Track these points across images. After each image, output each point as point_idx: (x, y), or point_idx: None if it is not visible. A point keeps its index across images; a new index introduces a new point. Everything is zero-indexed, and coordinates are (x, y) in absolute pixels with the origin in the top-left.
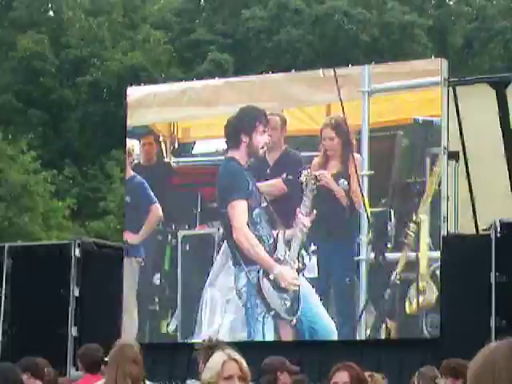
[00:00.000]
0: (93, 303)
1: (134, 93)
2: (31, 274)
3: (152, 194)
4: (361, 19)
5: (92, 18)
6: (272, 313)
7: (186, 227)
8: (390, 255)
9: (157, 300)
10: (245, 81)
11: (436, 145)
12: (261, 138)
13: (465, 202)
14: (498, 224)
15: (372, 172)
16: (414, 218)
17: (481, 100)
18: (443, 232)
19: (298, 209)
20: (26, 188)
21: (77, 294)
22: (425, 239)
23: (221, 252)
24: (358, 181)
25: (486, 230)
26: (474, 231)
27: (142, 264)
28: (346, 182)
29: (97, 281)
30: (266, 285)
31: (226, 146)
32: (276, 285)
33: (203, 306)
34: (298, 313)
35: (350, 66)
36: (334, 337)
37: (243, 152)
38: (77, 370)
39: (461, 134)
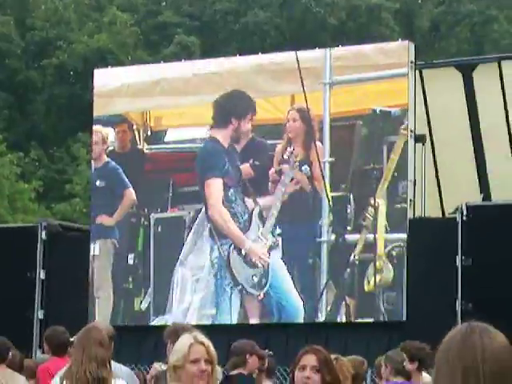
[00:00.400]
0: (59, 286)
1: (102, 77)
2: None
3: (126, 179)
4: (328, 2)
5: (58, 0)
6: (239, 287)
7: (158, 210)
8: (349, 237)
9: (130, 279)
10: (213, 72)
11: (393, 133)
12: (246, 126)
13: (432, 185)
14: (464, 207)
15: (333, 159)
16: (372, 202)
17: (448, 83)
18: (409, 215)
19: (278, 185)
20: None
21: (43, 276)
22: (382, 222)
23: (191, 233)
24: (320, 167)
25: (452, 213)
26: (440, 214)
27: (117, 245)
28: (308, 169)
29: (63, 263)
30: (235, 259)
31: (199, 133)
32: (246, 260)
33: (174, 284)
34: (266, 288)
35: (317, 49)
36: (300, 313)
37: (228, 134)
38: (43, 352)
39: (428, 117)
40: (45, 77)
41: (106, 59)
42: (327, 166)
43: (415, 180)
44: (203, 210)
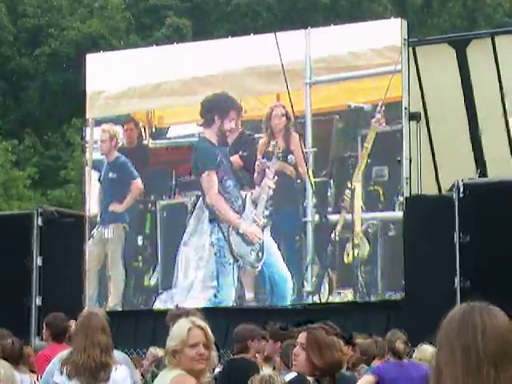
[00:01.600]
0: (56, 272)
1: (94, 61)
2: None
3: (134, 171)
4: None
5: None
6: (238, 263)
7: (164, 197)
8: (330, 217)
9: (140, 258)
10: (209, 75)
11: (366, 126)
12: (229, 125)
13: (427, 162)
14: (460, 185)
15: (315, 149)
16: (349, 185)
17: (441, 60)
18: (406, 193)
19: (267, 170)
20: None
21: (40, 263)
22: (358, 203)
23: (192, 217)
24: (304, 156)
25: (448, 190)
26: (436, 192)
27: (127, 229)
28: (293, 157)
29: (59, 249)
30: (234, 238)
31: (197, 129)
32: (243, 238)
33: (179, 262)
34: (262, 261)
35: (309, 28)
36: (289, 284)
37: (214, 131)
38: (41, 339)
39: (422, 94)
40: (38, 63)
41: (99, 44)
42: (310, 155)
43: (411, 158)
44: (193, 199)
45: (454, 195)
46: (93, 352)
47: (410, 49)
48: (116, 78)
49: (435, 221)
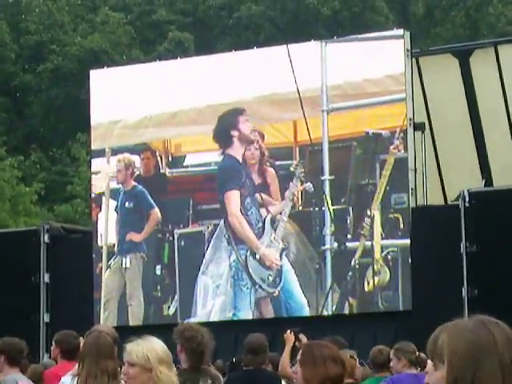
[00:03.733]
0: (63, 288)
1: (98, 77)
2: (0, 261)
3: (151, 200)
4: None
5: (51, 2)
6: (256, 286)
7: (181, 226)
8: (350, 244)
9: (159, 287)
10: (224, 103)
11: (384, 152)
12: (246, 126)
13: (433, 172)
14: (466, 194)
15: (333, 177)
16: (369, 213)
17: (445, 70)
18: (412, 204)
19: (287, 192)
20: None
21: (47, 280)
22: (377, 230)
23: (210, 245)
24: (322, 184)
25: (454, 200)
26: (442, 202)
27: (145, 258)
28: (311, 185)
29: (66, 266)
30: (251, 262)
31: (214, 157)
32: (261, 262)
33: (197, 291)
34: (279, 287)
35: (311, 41)
36: (306, 312)
37: (237, 145)
38: (49, 356)
39: (426, 104)
40: (41, 79)
41: (101, 59)
42: (327, 182)
43: (416, 168)
44: (220, 223)
45: (460, 205)
46: (102, 379)
47: (414, 59)
48: (120, 94)
49: (442, 231)
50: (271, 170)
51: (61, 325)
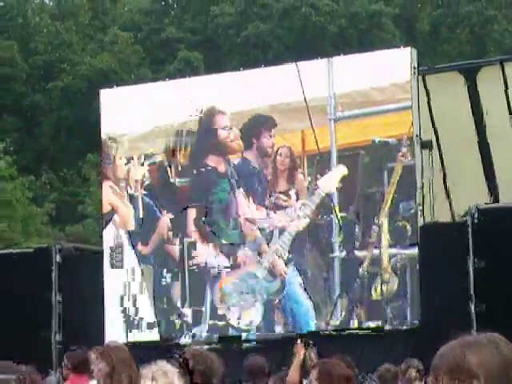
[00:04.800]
0: (75, 307)
1: (108, 96)
2: (13, 280)
3: (158, 210)
4: (328, 11)
5: (59, 23)
6: (260, 296)
7: (190, 235)
8: (358, 252)
9: (166, 296)
10: (233, 113)
11: (392, 160)
12: (267, 141)
13: (440, 190)
14: (474, 210)
15: (341, 185)
16: (377, 221)
17: (451, 87)
18: (420, 221)
19: (297, 210)
20: (4, 195)
21: (59, 298)
22: (386, 238)
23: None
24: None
25: (462, 216)
26: (450, 219)
27: (153, 270)
28: (321, 195)
29: (78, 285)
30: (259, 270)
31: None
32: (269, 271)
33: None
34: (283, 293)
35: (318, 58)
36: (312, 318)
37: (254, 152)
38: (61, 372)
39: (433, 122)
40: (51, 99)
41: (110, 79)
42: (335, 191)
43: (423, 186)
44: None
45: (468, 221)
46: None
47: (420, 77)
48: (131, 114)
49: (450, 247)
50: (301, 177)
51: (72, 343)
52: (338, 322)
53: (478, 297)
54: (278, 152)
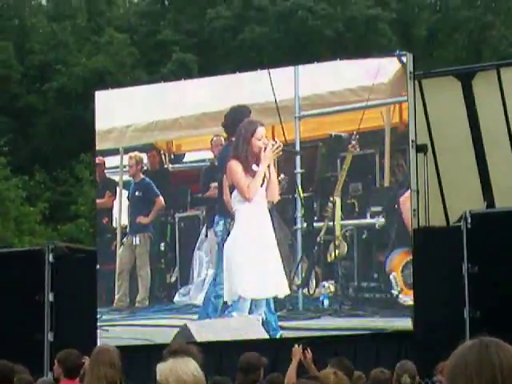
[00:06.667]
0: (68, 308)
1: (103, 98)
2: (5, 280)
3: (156, 190)
4: (324, 14)
5: (55, 24)
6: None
7: (181, 211)
8: (316, 224)
9: (163, 260)
10: (216, 111)
11: (343, 151)
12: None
13: (435, 194)
14: (468, 215)
15: (303, 170)
16: (331, 199)
17: (447, 92)
18: (414, 225)
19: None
20: None
21: (51, 299)
22: (338, 213)
23: (204, 227)
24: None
25: (456, 221)
26: (444, 223)
27: (152, 237)
28: (286, 177)
29: (71, 285)
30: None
31: (207, 155)
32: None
33: (194, 263)
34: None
35: (315, 62)
36: (283, 276)
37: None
38: (53, 375)
39: (428, 126)
40: (46, 100)
41: (105, 80)
42: (299, 175)
43: (418, 190)
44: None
45: (462, 226)
46: None
47: (416, 81)
48: (124, 114)
49: (443, 252)
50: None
51: (64, 344)
52: (299, 282)
53: (472, 302)
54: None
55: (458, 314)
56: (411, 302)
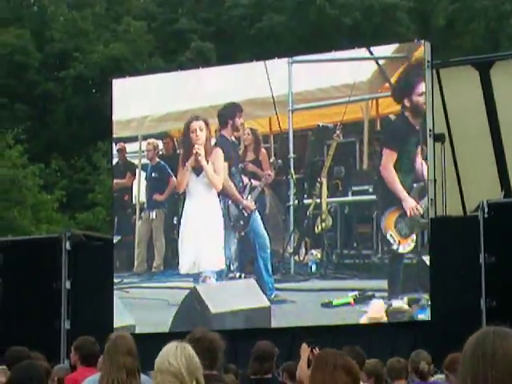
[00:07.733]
0: (84, 295)
1: (120, 86)
2: (23, 268)
3: (171, 171)
4: (342, 3)
5: (75, 12)
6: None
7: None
8: (306, 201)
9: (175, 232)
10: (222, 104)
11: (329, 139)
12: (238, 120)
13: (452, 183)
14: (485, 205)
15: (295, 155)
16: (319, 179)
17: (465, 81)
18: (431, 214)
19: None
20: (15, 182)
21: (68, 286)
22: (324, 191)
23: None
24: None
25: (473, 211)
26: (461, 213)
27: (166, 212)
28: (280, 161)
29: (87, 273)
30: (233, 209)
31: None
32: (239, 210)
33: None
34: (248, 228)
35: (333, 51)
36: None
37: (229, 129)
38: (70, 362)
39: (446, 116)
40: (64, 87)
41: (122, 67)
42: (292, 160)
43: (435, 179)
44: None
45: (479, 215)
46: (118, 375)
47: (434, 70)
48: (141, 103)
49: (460, 241)
50: (263, 151)
51: (81, 331)
52: (291, 250)
53: (489, 292)
54: (246, 132)
55: (474, 303)
56: (410, 248)
